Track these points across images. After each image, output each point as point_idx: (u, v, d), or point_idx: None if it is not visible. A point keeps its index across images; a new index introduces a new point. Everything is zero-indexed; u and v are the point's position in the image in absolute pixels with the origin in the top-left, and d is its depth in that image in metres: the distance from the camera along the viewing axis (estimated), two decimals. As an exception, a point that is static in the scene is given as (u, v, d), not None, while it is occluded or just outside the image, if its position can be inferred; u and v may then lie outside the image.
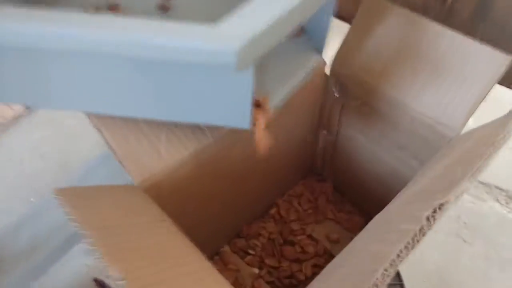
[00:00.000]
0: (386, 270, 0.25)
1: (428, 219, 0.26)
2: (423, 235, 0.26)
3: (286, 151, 0.58)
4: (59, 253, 0.67)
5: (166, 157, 0.41)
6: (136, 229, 0.33)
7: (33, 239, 0.69)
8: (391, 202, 0.38)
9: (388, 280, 0.24)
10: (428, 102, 0.45)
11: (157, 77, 0.34)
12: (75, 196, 0.34)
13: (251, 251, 0.61)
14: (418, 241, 0.25)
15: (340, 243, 0.61)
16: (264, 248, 0.60)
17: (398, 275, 0.58)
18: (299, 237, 0.61)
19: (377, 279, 0.24)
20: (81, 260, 0.67)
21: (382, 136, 0.52)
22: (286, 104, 0.49)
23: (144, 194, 0.39)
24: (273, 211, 0.64)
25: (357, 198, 0.64)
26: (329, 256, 0.60)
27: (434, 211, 0.27)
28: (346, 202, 0.65)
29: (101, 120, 0.41)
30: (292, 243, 0.61)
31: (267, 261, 0.59)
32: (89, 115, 0.41)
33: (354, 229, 0.63)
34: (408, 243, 0.25)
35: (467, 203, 0.71)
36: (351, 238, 0.64)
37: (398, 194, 0.39)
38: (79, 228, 0.30)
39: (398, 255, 0.25)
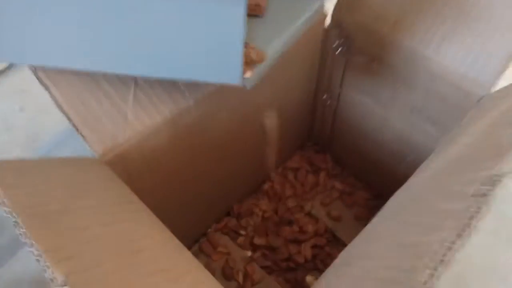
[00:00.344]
0: (434, 268, 0.18)
1: (484, 194, 0.19)
2: (481, 216, 0.18)
3: (280, 118, 0.50)
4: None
5: (135, 123, 0.33)
6: (91, 215, 0.25)
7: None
8: (415, 175, 0.31)
9: (436, 283, 0.17)
10: (452, 54, 0.37)
11: (126, 14, 0.26)
12: (13, 171, 0.26)
13: (242, 232, 0.54)
14: (475, 226, 0.18)
15: (343, 220, 0.55)
16: (257, 228, 0.53)
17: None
18: (296, 215, 0.54)
19: (425, 282, 0.17)
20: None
21: (393, 98, 0.44)
22: (279, 62, 0.41)
23: (107, 169, 0.31)
24: (266, 186, 0.57)
25: (361, 171, 0.57)
26: (331, 236, 0.53)
27: (490, 184, 0.20)
28: (347, 176, 0.58)
29: (50, 76, 0.33)
30: (289, 222, 0.54)
31: (261, 242, 0.52)
32: (36, 70, 0.33)
33: (357, 205, 0.56)
34: (463, 229, 0.18)
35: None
36: (354, 215, 0.58)
37: (423, 165, 0.31)
38: (10, 215, 0.23)
39: (450, 247, 0.18)
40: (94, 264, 0.22)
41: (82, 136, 0.32)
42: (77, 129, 0.32)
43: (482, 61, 0.36)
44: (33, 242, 0.22)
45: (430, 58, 0.38)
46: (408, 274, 0.20)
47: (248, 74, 0.32)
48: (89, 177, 0.29)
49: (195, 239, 0.54)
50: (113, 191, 0.29)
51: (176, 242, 0.28)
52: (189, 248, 0.53)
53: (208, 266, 0.51)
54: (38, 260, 0.22)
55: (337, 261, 0.27)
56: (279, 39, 0.35)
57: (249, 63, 0.31)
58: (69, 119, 0.32)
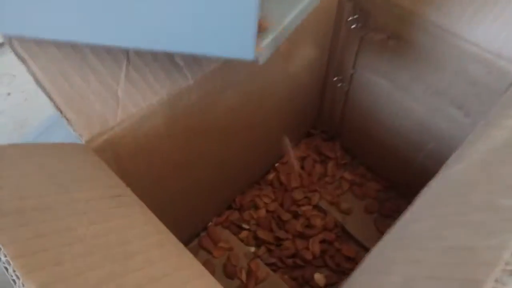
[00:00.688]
0: (501, 282, 0.14)
1: None
2: None
3: (286, 101, 0.46)
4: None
5: (127, 105, 0.28)
6: (75, 212, 0.21)
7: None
8: (448, 165, 0.27)
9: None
10: (485, 30, 0.33)
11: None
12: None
13: (245, 226, 0.50)
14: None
15: (353, 214, 0.51)
16: (261, 222, 0.49)
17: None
18: (303, 208, 0.50)
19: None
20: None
21: (413, 80, 0.40)
22: (290, 37, 0.37)
23: (95, 157, 0.27)
24: (271, 176, 0.53)
25: (373, 160, 0.53)
26: (340, 230, 0.50)
27: None
28: (358, 166, 0.54)
29: (28, 48, 0.28)
30: (296, 216, 0.50)
31: (265, 237, 0.48)
32: (12, 40, 0.28)
33: (368, 197, 0.52)
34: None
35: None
36: (365, 208, 0.54)
37: (457, 154, 0.27)
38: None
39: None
40: (76, 273, 0.18)
41: (66, 119, 0.28)
42: (60, 111, 0.27)
43: (520, 36, 0.32)
44: (0, 246, 0.18)
45: (458, 35, 0.34)
46: (464, 286, 0.16)
47: (260, 48, 0.27)
48: (73, 166, 0.25)
49: (194, 233, 0.50)
50: (101, 182, 0.25)
51: (174, 241, 0.24)
52: (188, 243, 0.49)
53: (208, 263, 0.47)
54: (5, 269, 0.18)
55: (366, 266, 0.23)
56: (292, 11, 0.31)
57: (261, 35, 0.27)
58: (50, 98, 0.27)
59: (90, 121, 0.28)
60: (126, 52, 0.30)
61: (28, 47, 0.28)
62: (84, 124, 0.27)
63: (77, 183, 0.24)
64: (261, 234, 0.48)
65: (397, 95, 0.42)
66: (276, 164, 0.54)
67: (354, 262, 0.47)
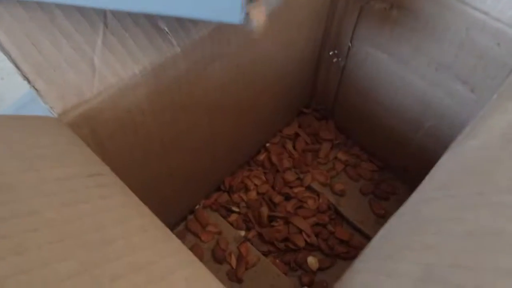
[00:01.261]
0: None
1: None
2: None
3: (279, 78, 0.43)
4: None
5: (105, 74, 0.25)
6: (43, 192, 0.18)
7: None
8: (461, 139, 0.25)
9: None
10: (496, -4, 0.31)
11: None
12: None
13: (235, 208, 0.47)
14: None
15: (347, 195, 0.49)
16: (252, 204, 0.47)
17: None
18: (295, 190, 0.48)
19: None
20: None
21: (416, 52, 0.37)
22: (284, 5, 0.34)
23: (69, 131, 0.24)
24: (261, 157, 0.51)
25: (368, 140, 0.51)
26: (334, 213, 0.48)
27: None
28: (352, 145, 0.52)
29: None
30: (288, 197, 0.48)
31: (256, 220, 0.46)
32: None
33: (363, 179, 0.50)
34: None
35: None
36: (360, 189, 0.52)
37: (469, 129, 0.25)
38: None
39: None
40: (42, 263, 0.16)
41: (35, 89, 0.24)
42: (28, 80, 0.24)
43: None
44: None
45: (466, 2, 0.32)
46: (497, 276, 0.14)
47: (252, 12, 0.24)
48: (44, 141, 0.22)
49: (181, 216, 0.47)
50: (76, 159, 0.22)
51: (158, 225, 0.22)
52: (175, 227, 0.47)
53: (196, 248, 0.45)
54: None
55: (372, 252, 0.21)
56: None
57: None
58: (16, 65, 0.24)
59: (62, 92, 0.24)
60: (103, 14, 0.26)
61: (-11, 7, 0.25)
62: (56, 96, 0.24)
63: (47, 160, 0.21)
64: (251, 217, 0.46)
65: (397, 70, 0.40)
66: (267, 144, 0.52)
67: (348, 245, 0.46)
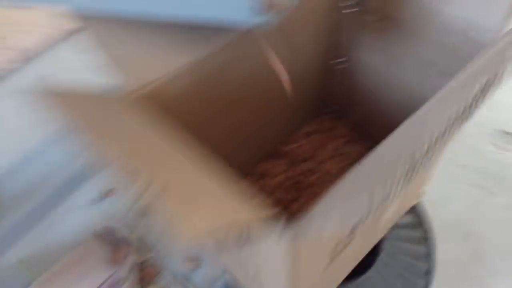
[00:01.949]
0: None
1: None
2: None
3: (296, 80, 0.51)
4: (56, 199, 0.63)
5: (158, 66, 0.35)
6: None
7: (29, 183, 0.66)
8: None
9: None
10: (462, 3, 0.39)
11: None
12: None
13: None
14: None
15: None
16: (272, 191, 0.56)
17: (421, 225, 0.53)
18: (311, 179, 0.56)
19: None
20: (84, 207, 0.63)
21: (405, 53, 0.46)
22: (293, 22, 0.43)
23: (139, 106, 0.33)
24: (285, 149, 0.60)
25: (378, 136, 0.58)
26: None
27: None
28: (365, 141, 0.60)
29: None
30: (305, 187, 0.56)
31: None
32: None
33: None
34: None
35: (490, 154, 0.66)
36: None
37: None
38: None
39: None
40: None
41: (112, 72, 0.35)
42: (107, 67, 0.35)
43: (487, 7, 0.37)
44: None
45: (439, 11, 0.40)
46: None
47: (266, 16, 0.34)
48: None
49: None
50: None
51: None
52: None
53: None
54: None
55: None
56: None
57: (271, 6, 0.34)
58: (102, 56, 0.35)
59: (135, 75, 0.35)
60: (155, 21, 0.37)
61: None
62: (130, 78, 0.35)
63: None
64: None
65: (392, 69, 0.49)
66: (288, 139, 0.60)
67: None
